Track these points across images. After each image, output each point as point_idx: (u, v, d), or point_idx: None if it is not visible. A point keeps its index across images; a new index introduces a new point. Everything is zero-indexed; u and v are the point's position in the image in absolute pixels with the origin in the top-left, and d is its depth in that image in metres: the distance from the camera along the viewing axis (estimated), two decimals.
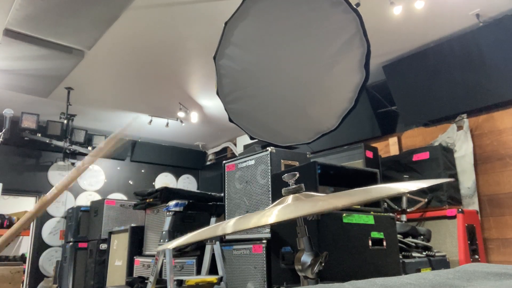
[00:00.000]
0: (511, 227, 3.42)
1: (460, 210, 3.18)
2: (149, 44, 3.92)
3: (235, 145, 6.82)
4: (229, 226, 0.98)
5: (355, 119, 4.26)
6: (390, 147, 4.42)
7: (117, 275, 3.76)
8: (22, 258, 6.57)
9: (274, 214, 0.89)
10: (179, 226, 2.89)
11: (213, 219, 2.85)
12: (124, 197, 6.53)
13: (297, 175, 1.14)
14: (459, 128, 3.81)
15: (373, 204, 2.13)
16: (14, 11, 3.23)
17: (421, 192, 3.39)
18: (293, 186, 1.10)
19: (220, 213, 2.82)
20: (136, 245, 3.58)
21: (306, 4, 2.40)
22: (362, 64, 2.29)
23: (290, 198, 1.07)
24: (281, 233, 2.11)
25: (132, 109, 5.63)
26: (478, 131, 3.72)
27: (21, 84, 4.66)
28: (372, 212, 2.03)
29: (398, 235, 2.32)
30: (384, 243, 2.00)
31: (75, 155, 6.22)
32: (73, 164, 6.34)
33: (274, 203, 1.09)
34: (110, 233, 4.10)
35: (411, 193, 3.34)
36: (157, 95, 5.16)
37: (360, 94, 2.35)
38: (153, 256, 3.18)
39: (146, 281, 2.72)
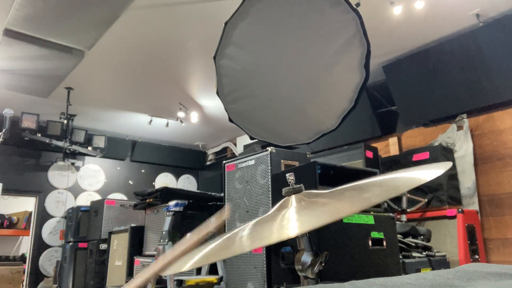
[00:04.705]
0: (511, 227, 3.42)
1: (460, 210, 3.18)
2: (149, 44, 3.92)
3: (235, 145, 6.82)
4: (245, 243, 0.86)
5: (355, 119, 4.26)
6: (390, 147, 4.42)
7: (117, 275, 3.76)
8: (22, 258, 6.58)
9: (294, 225, 0.83)
10: (179, 226, 2.89)
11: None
12: (124, 197, 6.53)
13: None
14: (459, 128, 3.81)
15: None
16: (14, 11, 3.23)
17: (421, 192, 3.39)
18: (293, 186, 1.10)
19: None
20: (136, 245, 3.58)
21: (306, 4, 2.40)
22: (362, 64, 2.29)
23: (293, 199, 1.06)
24: None
25: (132, 109, 5.63)
26: (478, 131, 3.72)
27: (21, 84, 4.66)
28: (372, 212, 2.03)
29: (398, 235, 2.32)
30: (384, 243, 2.00)
31: (75, 155, 6.22)
32: (73, 164, 6.34)
33: (277, 206, 1.07)
34: (110, 233, 4.10)
35: (411, 193, 3.34)
36: (157, 95, 5.16)
37: (360, 94, 2.35)
38: (153, 256, 3.18)
39: None
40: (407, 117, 4.26)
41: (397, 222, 2.33)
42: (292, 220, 0.87)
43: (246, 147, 2.84)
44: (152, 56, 4.16)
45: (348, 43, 2.31)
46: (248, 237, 0.88)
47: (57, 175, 6.20)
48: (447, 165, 0.92)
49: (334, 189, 1.03)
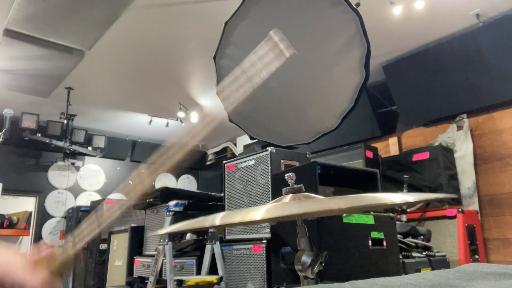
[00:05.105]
0: (511, 227, 3.42)
1: (460, 210, 3.18)
2: (149, 44, 3.92)
3: (235, 145, 6.82)
4: (217, 219, 0.99)
5: (355, 119, 4.26)
6: (390, 147, 4.42)
7: (117, 275, 3.76)
8: None
9: (262, 211, 0.89)
10: None
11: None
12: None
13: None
14: (459, 128, 3.81)
15: None
16: (14, 11, 3.23)
17: (421, 192, 3.39)
18: (293, 186, 1.10)
19: None
20: (136, 245, 3.58)
21: (306, 4, 2.40)
22: (362, 64, 2.29)
23: (288, 197, 1.07)
24: (281, 233, 2.11)
25: (132, 109, 5.63)
26: (478, 131, 3.72)
27: (21, 84, 4.66)
28: (372, 212, 2.03)
29: (398, 235, 2.32)
30: (384, 243, 2.00)
31: (75, 155, 6.22)
32: (73, 164, 6.34)
33: (271, 202, 1.09)
34: (110, 233, 4.10)
35: (411, 192, 3.34)
36: (157, 95, 5.16)
37: (360, 94, 2.35)
38: (153, 256, 3.18)
39: (146, 281, 2.72)
40: (407, 117, 4.26)
41: (397, 222, 2.33)
42: (264, 208, 0.90)
43: (246, 147, 2.85)
44: (152, 56, 4.16)
45: (348, 43, 2.31)
46: (220, 217, 0.98)
47: (57, 175, 6.20)
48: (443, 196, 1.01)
49: (335, 197, 1.05)
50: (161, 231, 1.03)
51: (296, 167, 2.35)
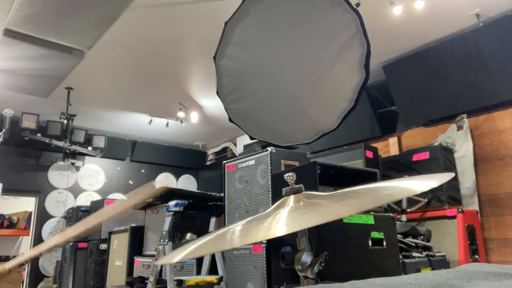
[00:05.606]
0: (511, 227, 3.42)
1: (460, 210, 3.18)
2: (149, 44, 3.92)
3: (235, 145, 6.82)
4: (235, 238, 0.92)
5: (355, 119, 4.26)
6: (390, 147, 4.42)
7: (117, 275, 3.75)
8: None
9: (282, 225, 0.85)
10: (179, 226, 2.89)
11: (213, 219, 2.85)
12: (124, 197, 6.53)
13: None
14: (459, 128, 3.81)
15: None
16: (14, 11, 3.23)
17: (421, 193, 3.38)
18: (293, 186, 1.10)
19: (220, 213, 2.82)
20: (136, 245, 3.58)
21: (306, 4, 2.40)
22: (362, 64, 2.29)
23: (291, 199, 1.06)
24: None
25: (132, 109, 5.63)
26: (478, 131, 3.72)
27: (21, 84, 4.66)
28: (372, 212, 2.03)
29: (398, 235, 2.32)
30: (384, 243, 2.00)
31: (75, 155, 6.22)
32: (73, 164, 6.33)
33: (275, 205, 1.08)
34: (110, 233, 4.10)
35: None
36: (157, 95, 5.16)
37: (360, 94, 2.35)
38: (153, 256, 3.18)
39: (146, 281, 2.72)
40: (407, 117, 4.26)
41: (397, 222, 2.33)
42: (282, 220, 0.88)
43: (246, 147, 2.84)
44: (152, 56, 4.16)
45: (348, 43, 2.31)
46: (238, 234, 0.92)
47: (57, 175, 6.20)
48: (448, 176, 0.95)
49: (334, 192, 1.03)
50: (174, 259, 0.94)
51: (296, 167, 2.35)
